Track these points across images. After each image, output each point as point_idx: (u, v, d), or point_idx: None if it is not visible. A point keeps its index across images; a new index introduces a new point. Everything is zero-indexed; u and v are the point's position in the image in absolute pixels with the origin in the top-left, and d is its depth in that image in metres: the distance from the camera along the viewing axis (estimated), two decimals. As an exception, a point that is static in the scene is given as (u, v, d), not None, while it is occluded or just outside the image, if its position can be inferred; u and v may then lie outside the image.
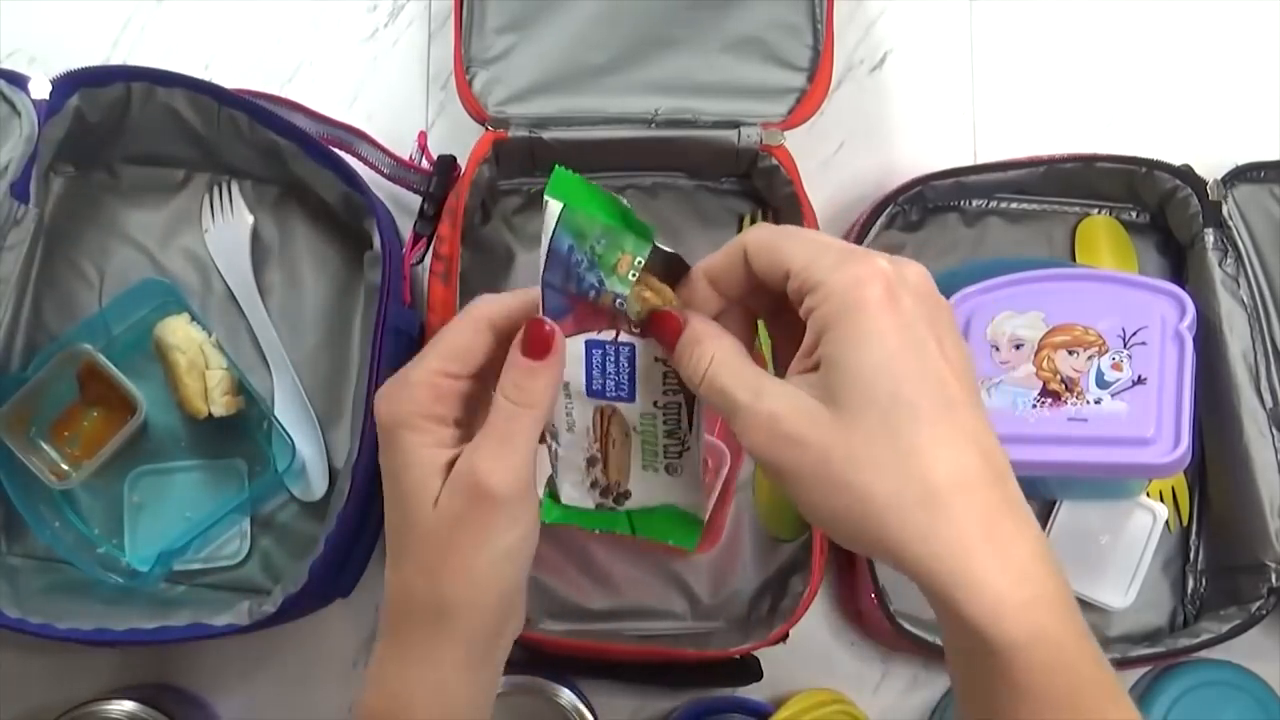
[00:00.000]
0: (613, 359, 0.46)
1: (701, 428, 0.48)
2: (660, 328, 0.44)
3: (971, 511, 0.38)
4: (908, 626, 0.69)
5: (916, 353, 0.39)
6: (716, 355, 0.42)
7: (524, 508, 0.44)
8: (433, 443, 0.44)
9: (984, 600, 0.38)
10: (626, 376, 0.46)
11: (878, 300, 0.39)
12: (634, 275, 0.43)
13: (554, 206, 0.43)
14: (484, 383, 0.46)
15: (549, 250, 0.43)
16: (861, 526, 0.39)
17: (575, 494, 0.49)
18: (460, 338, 0.45)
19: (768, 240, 0.42)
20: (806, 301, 0.41)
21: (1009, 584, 0.38)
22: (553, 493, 0.49)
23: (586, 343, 0.45)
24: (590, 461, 0.48)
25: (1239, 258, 0.76)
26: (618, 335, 0.45)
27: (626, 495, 0.48)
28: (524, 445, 0.44)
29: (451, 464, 0.44)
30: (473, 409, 0.46)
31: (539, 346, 0.43)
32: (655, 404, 0.47)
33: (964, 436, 0.39)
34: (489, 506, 0.43)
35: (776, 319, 0.46)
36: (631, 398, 0.46)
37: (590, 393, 0.47)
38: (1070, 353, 0.70)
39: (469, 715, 0.46)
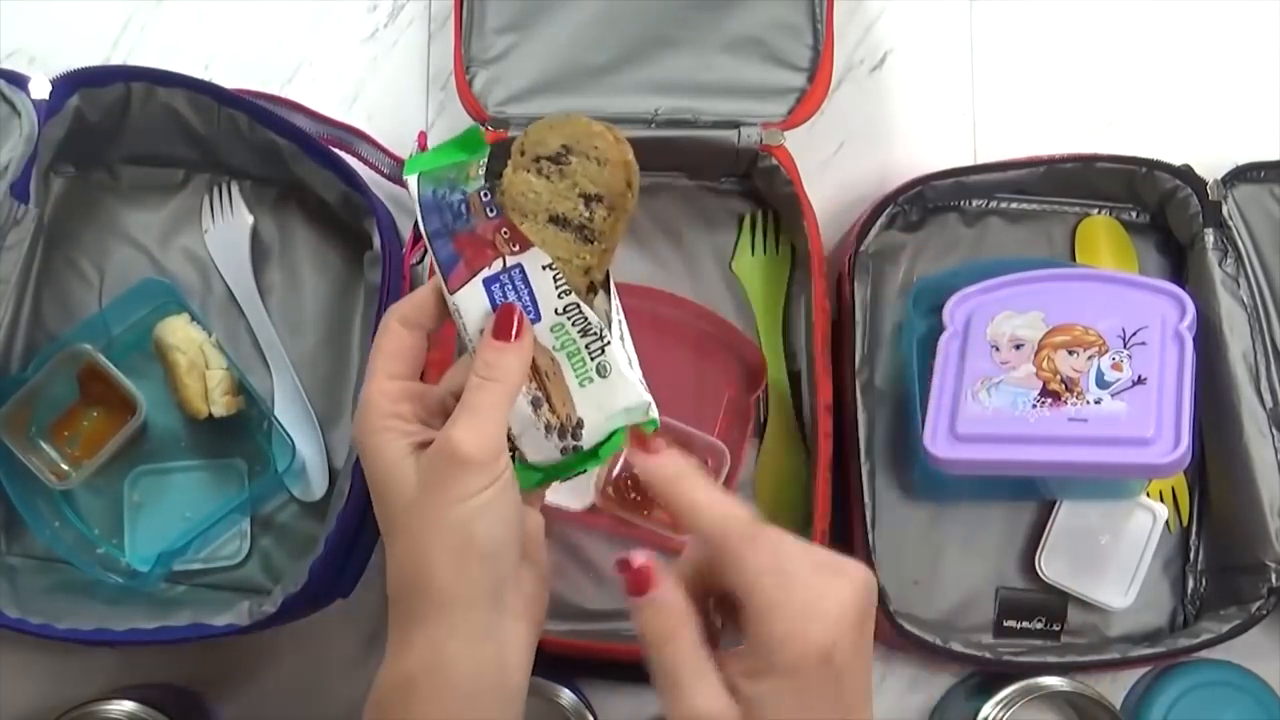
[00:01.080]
0: (509, 286, 0.47)
1: (618, 320, 0.49)
2: (634, 578, 0.46)
3: None
4: (908, 626, 0.69)
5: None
6: (679, 635, 0.45)
7: (496, 469, 0.45)
8: (398, 436, 0.47)
9: None
10: (527, 297, 0.47)
11: (812, 669, 0.43)
12: (482, 172, 0.47)
13: (411, 180, 0.48)
14: (430, 381, 0.49)
15: (420, 208, 0.47)
16: None
17: (539, 450, 0.49)
18: (388, 343, 0.48)
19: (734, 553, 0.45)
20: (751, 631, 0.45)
21: None
22: (520, 459, 0.49)
23: (484, 282, 0.47)
24: (535, 405, 0.48)
25: (1239, 258, 0.76)
26: (505, 261, 0.47)
27: (581, 424, 0.48)
28: (493, 414, 0.46)
29: (422, 446, 0.46)
30: (430, 409, 0.49)
31: (504, 328, 0.46)
32: (557, 311, 0.47)
33: None
34: (459, 467, 0.44)
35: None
36: (538, 316, 0.48)
37: None
38: (1070, 353, 0.70)
39: (471, 687, 0.46)
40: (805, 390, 0.74)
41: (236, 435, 0.74)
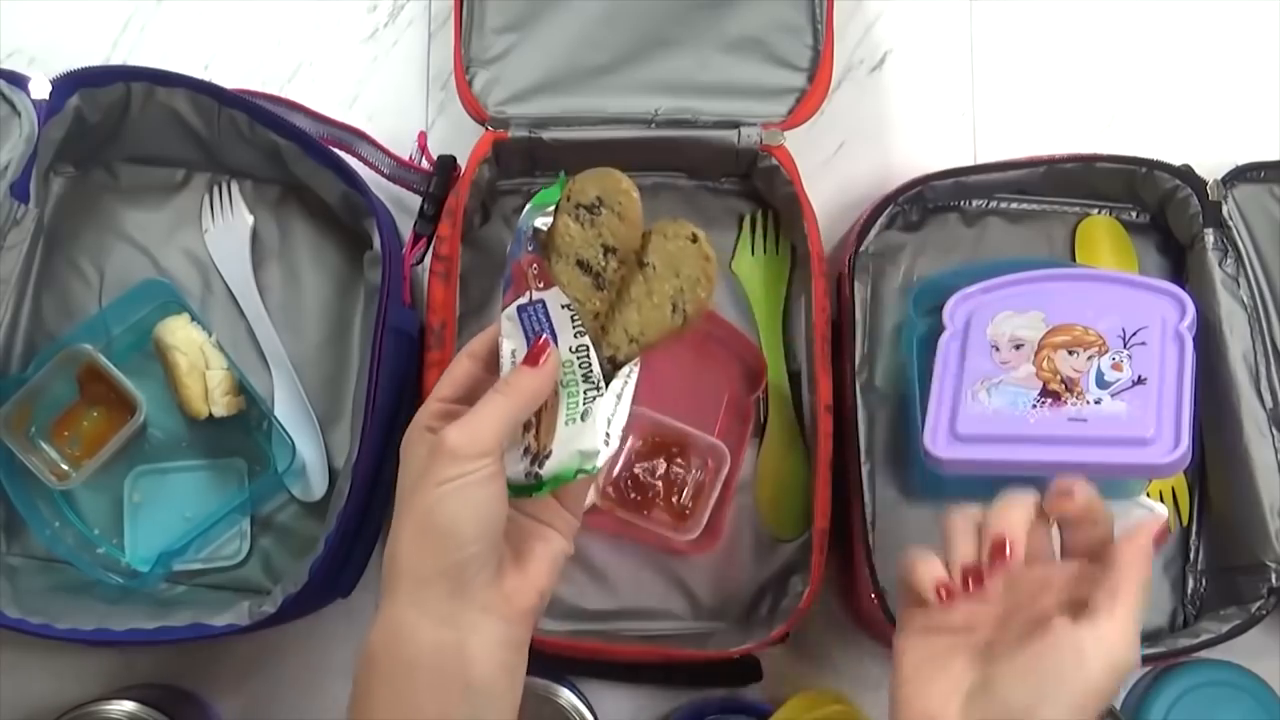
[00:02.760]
0: (534, 317, 0.51)
1: (625, 377, 0.52)
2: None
3: None
4: (908, 626, 0.69)
5: None
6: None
7: (475, 464, 0.48)
8: (426, 440, 0.50)
9: None
10: (548, 330, 0.51)
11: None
12: (547, 217, 0.52)
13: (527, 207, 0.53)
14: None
15: (518, 231, 0.52)
16: None
17: (510, 466, 0.51)
18: (453, 369, 0.53)
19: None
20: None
21: None
22: None
23: (518, 308, 0.51)
24: (526, 427, 0.51)
25: (1239, 258, 0.76)
26: (531, 295, 0.51)
27: (546, 457, 0.51)
28: (490, 421, 0.48)
29: None
30: None
31: (534, 356, 0.50)
32: (570, 349, 0.51)
33: None
34: (441, 456, 0.47)
35: None
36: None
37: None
38: (1070, 353, 0.70)
39: (426, 664, 0.48)
40: (805, 390, 0.74)
41: (236, 435, 0.74)
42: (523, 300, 0.51)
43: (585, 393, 0.51)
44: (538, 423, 0.51)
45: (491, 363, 0.52)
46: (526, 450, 0.51)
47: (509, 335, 0.51)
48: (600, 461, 0.50)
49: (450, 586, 0.48)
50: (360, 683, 0.49)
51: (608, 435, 0.50)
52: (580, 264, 0.51)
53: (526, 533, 0.51)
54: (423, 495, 0.48)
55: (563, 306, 0.51)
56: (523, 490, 0.51)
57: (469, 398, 0.51)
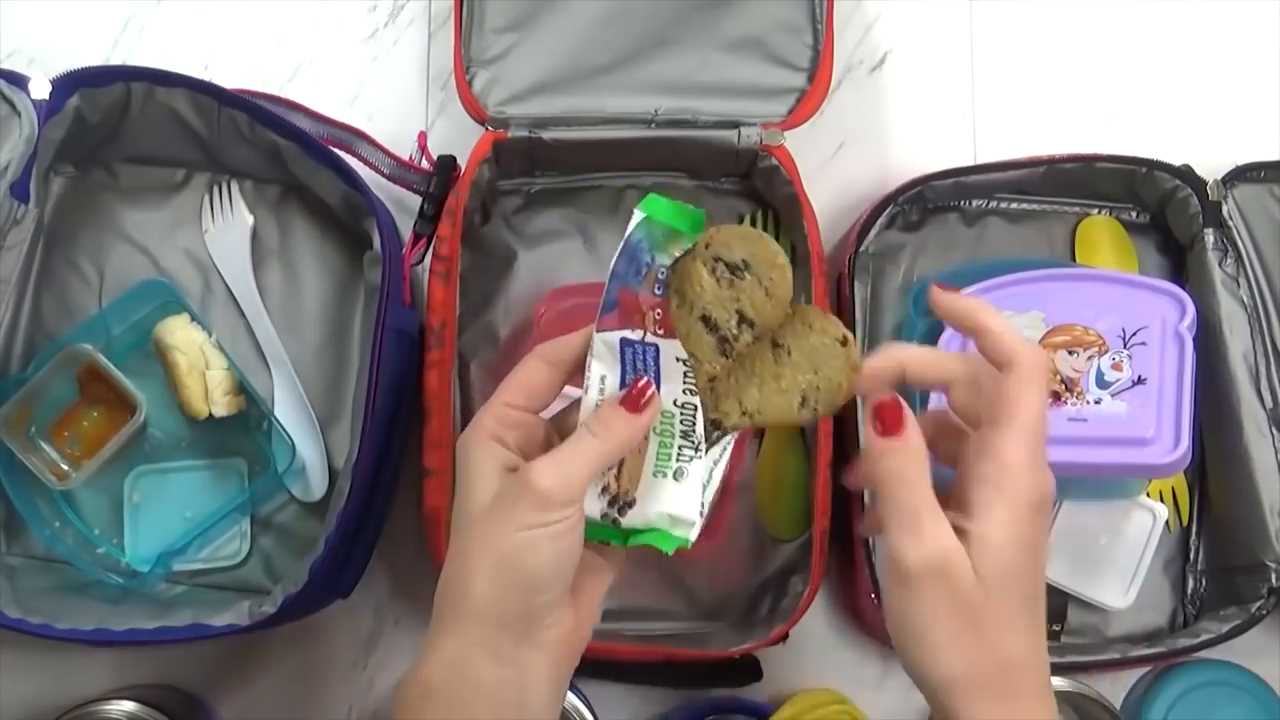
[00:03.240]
0: (640, 357, 0.48)
1: (724, 445, 0.50)
2: (888, 416, 0.48)
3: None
4: (908, 626, 0.69)
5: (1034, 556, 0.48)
6: (922, 479, 0.47)
7: (564, 512, 0.46)
8: (493, 453, 0.48)
9: None
10: (653, 375, 0.48)
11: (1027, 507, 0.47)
12: (678, 254, 0.48)
13: (637, 214, 0.48)
14: (544, 422, 0.51)
15: (624, 244, 0.48)
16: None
17: (587, 502, 0.49)
18: (520, 374, 0.50)
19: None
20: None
21: None
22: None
23: (621, 340, 0.48)
24: (616, 474, 0.49)
25: (1239, 258, 0.76)
26: (645, 335, 0.48)
27: (630, 505, 0.49)
28: (581, 464, 0.47)
29: (511, 470, 0.48)
30: (533, 443, 0.50)
31: (634, 400, 0.48)
32: (675, 402, 0.49)
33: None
34: (530, 498, 0.46)
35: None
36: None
37: (623, 389, 0.49)
38: (1070, 353, 0.70)
39: (488, 703, 0.47)
40: (805, 390, 0.74)
41: (236, 435, 0.74)
42: (632, 335, 0.48)
43: (681, 449, 0.49)
44: (621, 464, 0.49)
45: (570, 373, 0.49)
46: (605, 489, 0.49)
47: (600, 358, 0.48)
48: (694, 535, 0.49)
49: (521, 630, 0.47)
50: (414, 710, 0.48)
51: (703, 505, 0.49)
52: (706, 320, 0.48)
53: (583, 565, 0.49)
54: (503, 535, 0.46)
55: (678, 359, 0.48)
56: (599, 533, 0.49)
57: (535, 404, 0.49)
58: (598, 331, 0.48)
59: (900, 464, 0.47)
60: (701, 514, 0.49)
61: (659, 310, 0.48)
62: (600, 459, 0.47)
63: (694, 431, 0.49)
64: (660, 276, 0.48)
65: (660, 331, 0.48)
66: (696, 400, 0.49)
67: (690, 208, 0.49)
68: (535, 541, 0.46)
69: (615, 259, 0.48)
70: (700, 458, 0.49)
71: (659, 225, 0.48)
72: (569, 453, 0.47)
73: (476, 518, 0.47)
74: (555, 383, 0.50)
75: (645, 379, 0.48)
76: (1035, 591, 0.48)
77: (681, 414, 0.49)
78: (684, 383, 0.49)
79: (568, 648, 0.49)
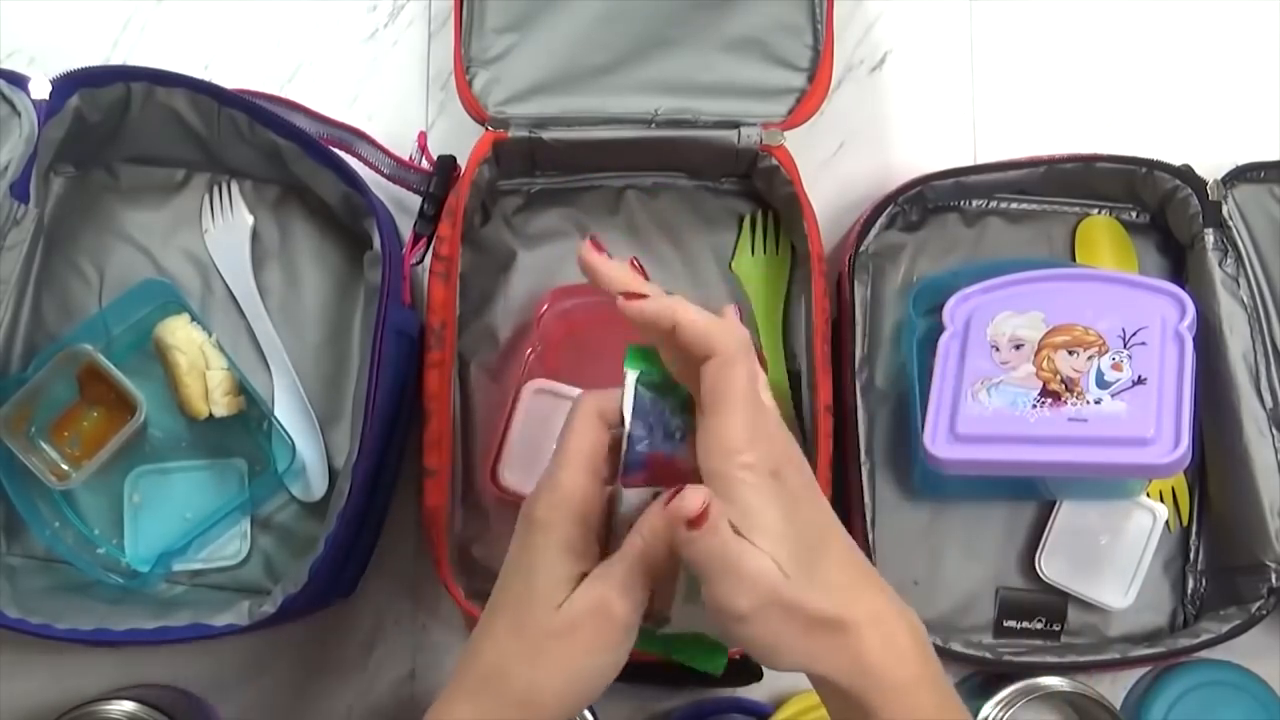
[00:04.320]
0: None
1: None
2: (695, 522, 0.45)
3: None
4: (908, 626, 0.69)
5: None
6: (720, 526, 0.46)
7: (629, 638, 0.48)
8: (566, 549, 0.48)
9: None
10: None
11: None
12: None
13: (630, 375, 0.49)
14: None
15: (633, 408, 0.49)
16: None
17: None
18: (587, 440, 0.49)
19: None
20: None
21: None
22: None
23: (654, 493, 0.49)
24: None
25: (1239, 258, 0.76)
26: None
27: (665, 620, 0.50)
28: (648, 584, 0.48)
29: (579, 577, 0.48)
30: (592, 530, 0.49)
31: (699, 520, 0.45)
32: None
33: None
34: (609, 628, 0.47)
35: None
36: None
37: None
38: (1070, 353, 0.70)
39: None
40: (805, 390, 0.74)
41: (236, 435, 0.74)
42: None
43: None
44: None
45: (611, 432, 0.50)
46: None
47: (627, 501, 0.49)
48: (721, 670, 0.51)
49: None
50: None
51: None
52: None
53: None
54: (578, 661, 0.48)
55: None
56: (647, 644, 0.50)
57: (601, 474, 0.50)
58: (623, 486, 0.49)
59: (707, 544, 0.46)
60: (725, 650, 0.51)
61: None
62: (659, 569, 0.48)
63: None
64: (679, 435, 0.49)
65: None
66: None
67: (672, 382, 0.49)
68: (603, 671, 0.48)
69: (629, 425, 0.49)
70: None
71: (660, 380, 0.49)
72: (632, 571, 0.47)
73: (548, 632, 0.47)
74: (605, 439, 0.50)
75: (698, 494, 0.46)
76: (818, 533, 0.47)
77: None
78: None
79: None
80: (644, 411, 0.49)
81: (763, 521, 0.45)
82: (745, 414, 0.46)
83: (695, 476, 0.47)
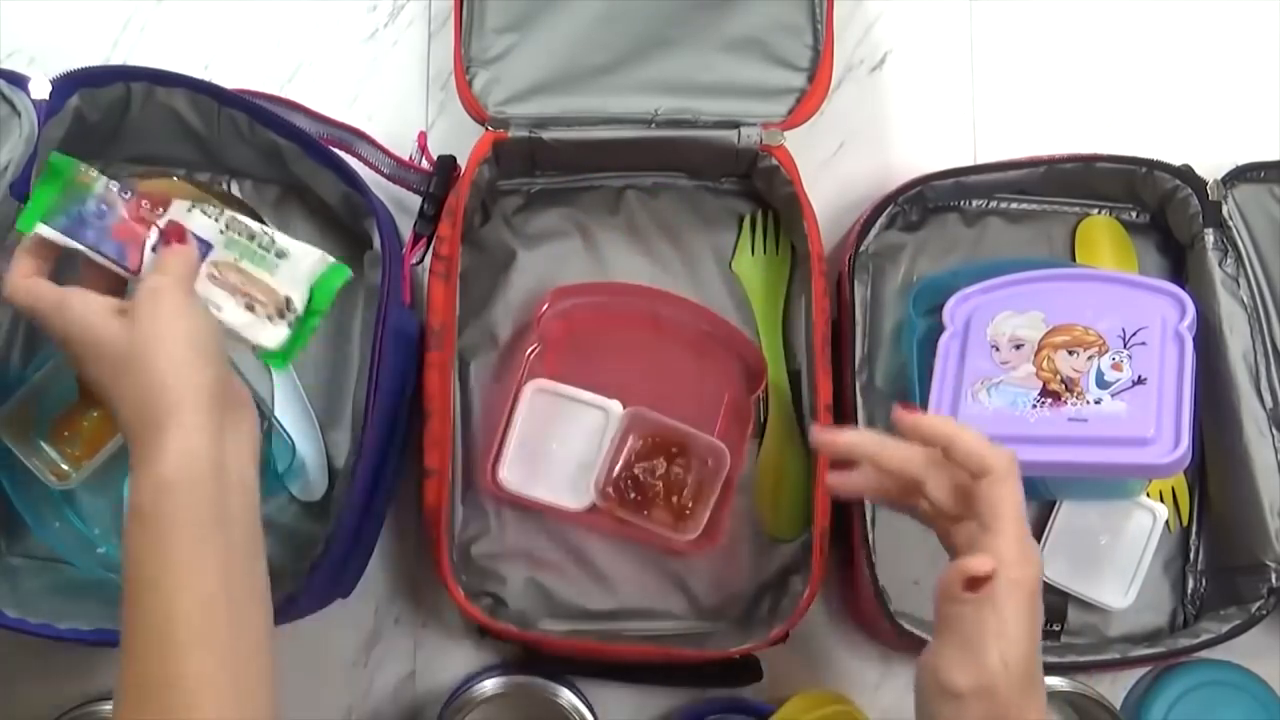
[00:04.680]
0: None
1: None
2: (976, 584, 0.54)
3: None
4: (908, 626, 0.69)
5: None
6: None
7: (187, 287, 0.56)
8: (87, 300, 0.55)
9: None
10: (191, 236, 0.59)
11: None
12: (94, 174, 0.59)
13: (43, 232, 0.57)
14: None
15: (69, 236, 0.57)
16: None
17: (275, 336, 0.60)
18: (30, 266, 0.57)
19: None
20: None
21: None
22: (264, 352, 0.60)
23: (153, 248, 0.58)
24: (250, 308, 0.59)
25: (1239, 258, 0.76)
26: (159, 227, 0.59)
27: (290, 300, 0.60)
28: (184, 269, 0.57)
29: (120, 312, 0.54)
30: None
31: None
32: (221, 232, 0.60)
33: None
34: (164, 292, 0.54)
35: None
36: (209, 245, 0.60)
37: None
38: (1070, 353, 0.70)
39: (212, 474, 0.52)
40: (805, 390, 0.74)
41: (236, 435, 0.74)
42: (153, 239, 0.58)
43: (260, 245, 0.61)
44: (254, 297, 0.59)
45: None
46: (270, 316, 0.60)
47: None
48: (333, 259, 0.63)
49: (217, 403, 0.53)
50: (152, 509, 0.51)
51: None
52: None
53: None
54: (171, 328, 0.53)
55: (188, 210, 0.59)
56: (300, 337, 0.61)
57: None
58: (135, 274, 0.58)
59: (970, 610, 0.52)
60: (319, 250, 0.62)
61: (145, 201, 0.58)
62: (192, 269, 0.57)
63: (252, 230, 0.60)
64: (116, 190, 0.58)
65: (160, 210, 0.59)
66: (228, 213, 0.60)
67: (43, 176, 0.59)
68: (195, 319, 0.54)
69: (78, 246, 0.57)
70: (276, 236, 0.61)
71: (56, 203, 0.58)
72: (161, 265, 0.56)
73: (133, 343, 0.53)
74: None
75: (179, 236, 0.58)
76: (1038, 659, 0.53)
77: (234, 231, 0.60)
78: (209, 216, 0.59)
79: (248, 408, 0.55)
80: (74, 228, 0.57)
81: (1011, 630, 0.52)
82: (1018, 530, 0.53)
83: (147, 216, 0.58)
